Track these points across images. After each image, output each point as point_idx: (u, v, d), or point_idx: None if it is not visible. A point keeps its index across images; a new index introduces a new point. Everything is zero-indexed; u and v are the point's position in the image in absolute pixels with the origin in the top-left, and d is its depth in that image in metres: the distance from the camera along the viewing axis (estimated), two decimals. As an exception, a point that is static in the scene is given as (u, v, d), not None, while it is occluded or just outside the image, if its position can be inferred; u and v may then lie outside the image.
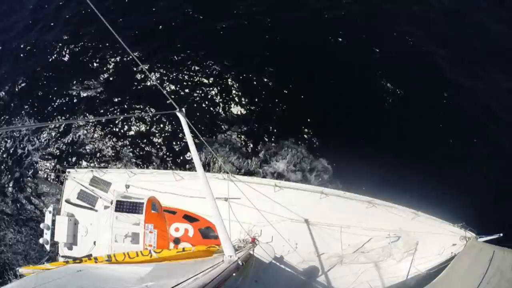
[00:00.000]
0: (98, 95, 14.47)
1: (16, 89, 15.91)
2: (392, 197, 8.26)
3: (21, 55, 17.08)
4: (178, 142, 12.59)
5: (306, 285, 8.23)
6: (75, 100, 14.61)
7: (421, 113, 12.13)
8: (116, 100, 14.07)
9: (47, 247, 10.20)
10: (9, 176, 14.10)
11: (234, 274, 5.73)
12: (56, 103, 14.82)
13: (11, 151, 14.58)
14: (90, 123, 13.81)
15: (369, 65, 12.92)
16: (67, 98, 14.74)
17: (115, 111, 13.61)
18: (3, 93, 16.13)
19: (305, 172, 11.15)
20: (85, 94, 14.61)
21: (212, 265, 5.61)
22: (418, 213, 7.94)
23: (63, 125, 14.07)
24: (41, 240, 10.20)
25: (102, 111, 13.79)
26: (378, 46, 13.30)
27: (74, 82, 14.97)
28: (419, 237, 7.81)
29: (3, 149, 14.76)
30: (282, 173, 11.18)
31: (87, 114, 14.12)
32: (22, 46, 17.27)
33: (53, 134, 14.14)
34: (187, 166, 12.12)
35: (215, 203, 6.18)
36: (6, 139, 14.80)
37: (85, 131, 13.78)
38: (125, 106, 13.77)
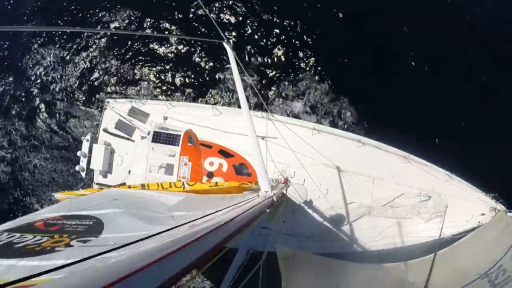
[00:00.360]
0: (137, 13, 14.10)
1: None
2: (428, 155, 8.01)
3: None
4: (220, 76, 12.23)
5: (332, 232, 8.22)
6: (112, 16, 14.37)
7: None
8: (159, 21, 13.66)
9: (83, 174, 10.43)
10: (48, 103, 14.35)
11: (267, 210, 5.61)
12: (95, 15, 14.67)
13: (49, 78, 14.73)
14: (130, 49, 13.57)
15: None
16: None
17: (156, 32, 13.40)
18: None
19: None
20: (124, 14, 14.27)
21: (243, 200, 5.46)
22: (452, 176, 7.68)
23: (99, 54, 13.95)
24: (77, 167, 10.42)
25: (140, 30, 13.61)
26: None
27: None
28: (450, 200, 7.60)
29: (40, 74, 14.91)
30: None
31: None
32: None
33: (91, 61, 14.10)
34: (227, 101, 11.90)
35: (256, 139, 6.16)
36: (41, 65, 14.91)
37: (124, 59, 13.60)
38: (167, 26, 13.36)
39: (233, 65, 6.71)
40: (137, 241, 2.09)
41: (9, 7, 16.82)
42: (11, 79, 15.49)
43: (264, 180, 6.00)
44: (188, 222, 3.14)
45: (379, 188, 8.02)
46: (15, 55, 15.66)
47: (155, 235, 2.36)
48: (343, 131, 8.76)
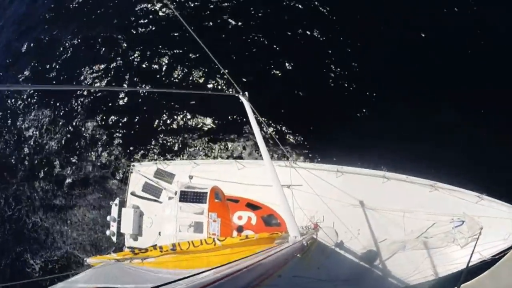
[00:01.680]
0: (156, 71, 14.88)
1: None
2: (453, 179, 7.95)
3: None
4: (239, 128, 12.58)
5: (369, 272, 8.05)
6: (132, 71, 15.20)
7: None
8: (174, 78, 14.42)
9: (114, 238, 10.61)
10: (76, 170, 14.95)
11: (298, 255, 5.62)
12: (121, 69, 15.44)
13: (73, 144, 15.51)
14: (151, 117, 14.19)
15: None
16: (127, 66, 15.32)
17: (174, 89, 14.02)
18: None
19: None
20: (143, 67, 15.09)
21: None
22: (483, 196, 7.55)
23: (124, 119, 14.69)
24: (107, 232, 10.64)
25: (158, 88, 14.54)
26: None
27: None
28: (484, 221, 7.40)
29: (65, 141, 15.73)
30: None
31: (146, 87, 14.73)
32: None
33: (114, 127, 14.81)
34: (248, 153, 12.12)
35: (281, 188, 6.35)
36: (68, 131, 15.67)
37: (146, 122, 14.23)
38: (183, 84, 14.09)
39: (251, 117, 6.98)
40: (169, 282, 2.17)
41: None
42: (28, 151, 16.29)
43: (292, 225, 6.17)
44: (214, 268, 3.14)
45: (410, 221, 7.92)
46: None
47: (186, 278, 2.44)
48: (366, 169, 8.75)
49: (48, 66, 17.98)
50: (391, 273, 7.90)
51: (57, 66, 17.70)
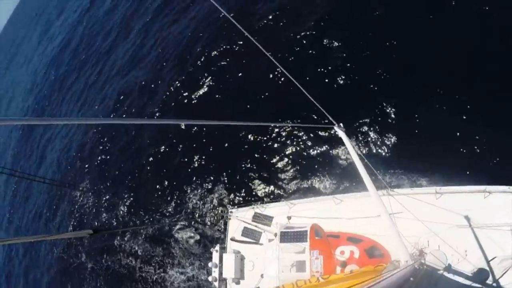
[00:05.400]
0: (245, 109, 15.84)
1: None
2: None
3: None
4: (331, 162, 12.75)
5: None
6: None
7: None
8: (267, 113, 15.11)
9: (216, 284, 10.99)
10: (176, 220, 16.06)
11: (412, 279, 5.60)
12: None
13: (169, 197, 16.74)
14: (245, 161, 15.00)
15: None
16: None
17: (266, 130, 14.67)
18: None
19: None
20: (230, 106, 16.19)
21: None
22: None
23: (213, 168, 15.75)
24: (209, 278, 11.08)
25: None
26: None
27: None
28: None
29: (162, 193, 17.06)
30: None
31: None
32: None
33: (210, 176, 15.83)
34: (343, 186, 12.17)
35: (388, 215, 6.52)
36: (167, 186, 17.03)
37: (241, 168, 15.01)
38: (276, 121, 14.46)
39: (349, 147, 7.28)
40: None
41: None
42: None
43: (403, 250, 6.16)
44: None
45: None
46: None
47: None
48: (465, 186, 8.41)
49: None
50: None
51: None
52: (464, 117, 10.90)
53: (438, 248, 8.07)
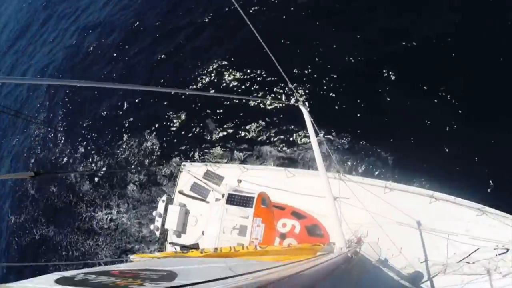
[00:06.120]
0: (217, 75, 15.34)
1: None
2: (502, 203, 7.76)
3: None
4: (291, 138, 12.69)
5: None
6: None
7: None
8: (234, 83, 14.78)
9: (157, 233, 10.95)
10: (128, 164, 15.71)
11: (343, 266, 5.76)
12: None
13: (132, 139, 16.25)
14: (206, 120, 14.65)
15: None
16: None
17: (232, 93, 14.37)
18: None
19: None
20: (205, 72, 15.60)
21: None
22: None
23: (182, 119, 15.29)
24: (151, 227, 10.97)
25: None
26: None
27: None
28: None
29: (121, 136, 16.55)
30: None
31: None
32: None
33: (172, 126, 15.39)
34: (297, 162, 12.16)
35: (333, 199, 6.48)
36: (129, 128, 16.47)
37: (198, 121, 14.75)
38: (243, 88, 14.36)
39: (309, 127, 7.15)
40: (210, 281, 2.20)
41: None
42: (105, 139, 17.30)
43: (340, 237, 6.26)
44: (257, 271, 3.08)
45: (454, 244, 7.71)
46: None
47: (224, 278, 2.43)
48: (415, 187, 8.65)
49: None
50: None
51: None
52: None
53: (376, 241, 8.25)
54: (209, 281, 2.25)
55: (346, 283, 7.36)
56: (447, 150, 10.58)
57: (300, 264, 4.35)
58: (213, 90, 15.15)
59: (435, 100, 11.13)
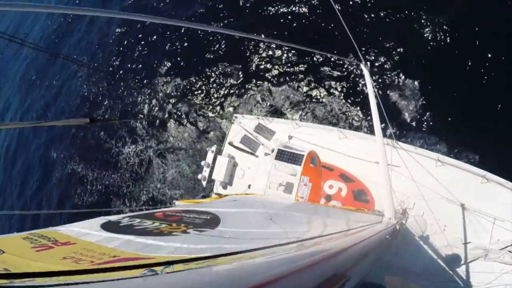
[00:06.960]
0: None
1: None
2: None
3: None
4: (348, 100, 12.02)
5: (443, 271, 7.60)
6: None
7: None
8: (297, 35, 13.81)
9: (204, 183, 11.09)
10: (181, 113, 15.82)
11: (388, 237, 5.50)
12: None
13: (182, 89, 16.21)
14: (261, 63, 14.18)
15: None
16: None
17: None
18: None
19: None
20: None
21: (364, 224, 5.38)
22: None
23: (231, 70, 14.89)
24: (199, 176, 11.12)
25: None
26: None
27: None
28: None
29: (179, 87, 16.45)
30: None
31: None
32: None
33: (223, 77, 15.11)
34: (352, 125, 11.66)
35: (387, 167, 6.15)
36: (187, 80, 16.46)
37: (253, 75, 14.27)
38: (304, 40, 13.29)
39: (369, 88, 6.78)
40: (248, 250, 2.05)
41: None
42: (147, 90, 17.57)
43: (390, 207, 6.03)
44: (308, 239, 3.05)
45: (500, 230, 7.30)
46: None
47: (267, 248, 2.26)
48: (468, 164, 8.10)
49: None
50: (467, 279, 7.45)
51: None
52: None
53: (421, 215, 7.99)
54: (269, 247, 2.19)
55: (386, 255, 7.11)
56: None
57: (353, 235, 4.11)
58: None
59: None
